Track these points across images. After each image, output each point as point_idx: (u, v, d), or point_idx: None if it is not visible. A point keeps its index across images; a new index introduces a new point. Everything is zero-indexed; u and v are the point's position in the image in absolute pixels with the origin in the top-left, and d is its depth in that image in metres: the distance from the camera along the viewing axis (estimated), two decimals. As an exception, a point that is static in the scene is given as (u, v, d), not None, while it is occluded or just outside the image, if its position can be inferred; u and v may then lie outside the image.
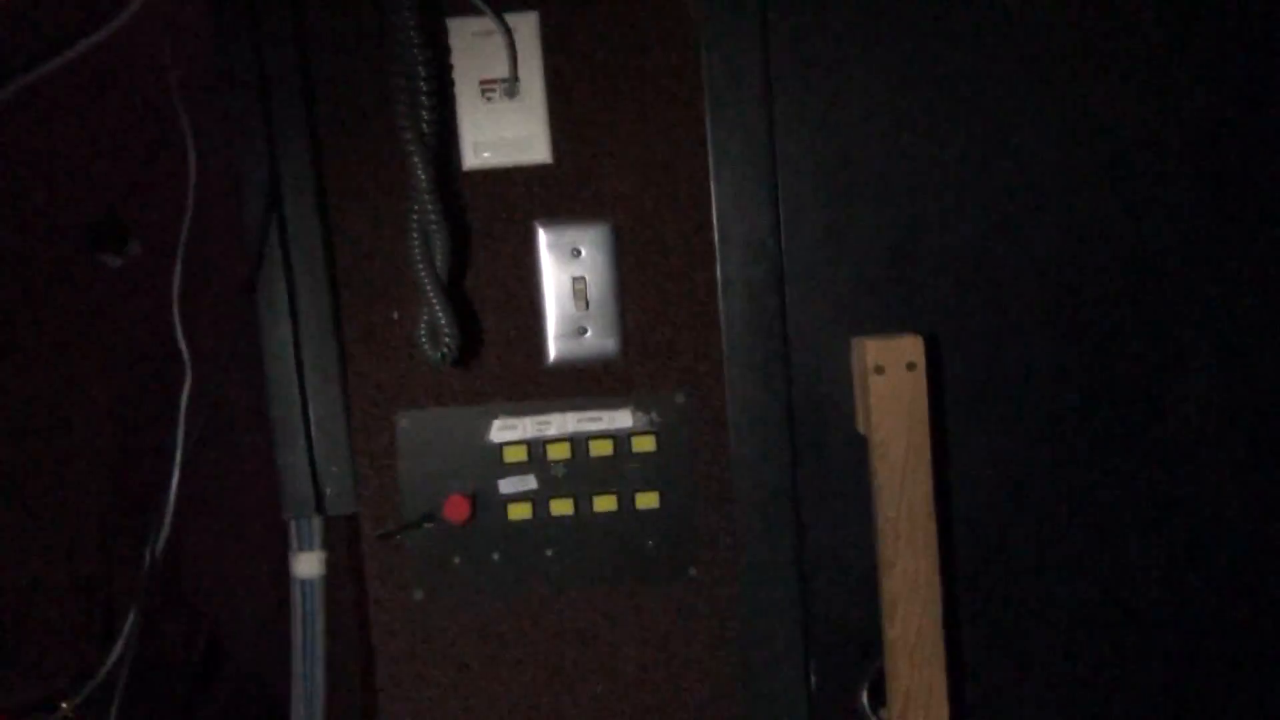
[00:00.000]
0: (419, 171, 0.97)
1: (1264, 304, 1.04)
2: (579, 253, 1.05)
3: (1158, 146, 1.03)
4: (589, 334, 1.05)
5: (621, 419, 1.06)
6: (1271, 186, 1.03)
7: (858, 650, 1.07)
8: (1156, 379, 1.05)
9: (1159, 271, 1.04)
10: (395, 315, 1.05)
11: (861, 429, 1.02)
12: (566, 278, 1.05)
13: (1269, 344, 1.04)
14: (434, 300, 0.98)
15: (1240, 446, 1.05)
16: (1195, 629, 1.07)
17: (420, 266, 0.98)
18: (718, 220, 1.03)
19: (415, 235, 0.99)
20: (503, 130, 1.03)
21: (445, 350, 0.99)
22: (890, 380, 0.97)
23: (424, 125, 0.98)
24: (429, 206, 0.98)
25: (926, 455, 0.98)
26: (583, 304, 1.05)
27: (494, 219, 1.05)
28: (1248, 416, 1.05)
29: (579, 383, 1.06)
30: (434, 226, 0.98)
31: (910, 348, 0.98)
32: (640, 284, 1.05)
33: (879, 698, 1.06)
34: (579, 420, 1.06)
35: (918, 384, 0.98)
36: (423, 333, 1.00)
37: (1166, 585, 1.07)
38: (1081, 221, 1.03)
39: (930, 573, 0.99)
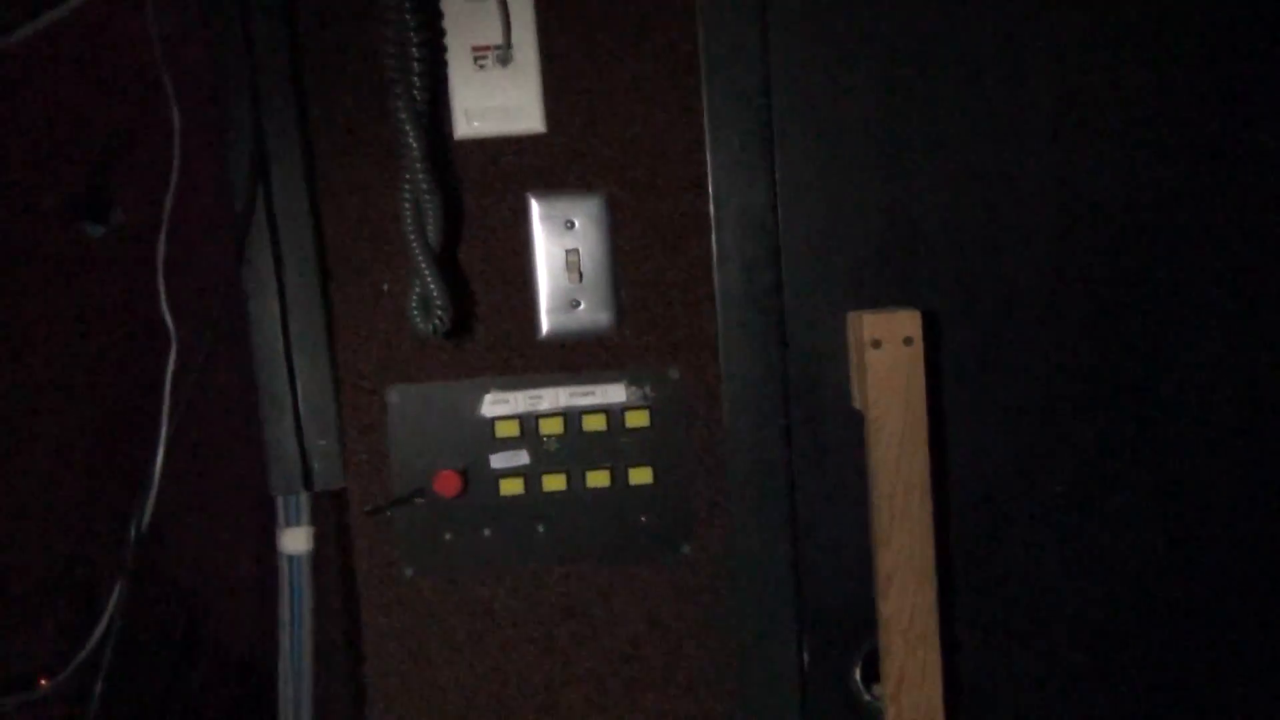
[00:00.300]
0: (411, 140, 0.95)
1: (1266, 284, 1.04)
2: (572, 224, 1.03)
3: (1161, 126, 1.02)
4: (582, 307, 1.04)
5: (615, 393, 1.05)
6: (1275, 164, 1.02)
7: (851, 628, 1.06)
8: (1156, 358, 1.04)
9: (1160, 250, 1.03)
10: (385, 287, 1.04)
11: (857, 405, 1.01)
12: (559, 250, 1.03)
13: (1270, 323, 1.04)
14: (426, 271, 0.96)
15: (1239, 427, 1.05)
16: (1192, 610, 1.07)
17: (412, 237, 0.97)
18: (713, 192, 1.02)
19: (407, 205, 0.97)
20: (495, 99, 1.01)
21: (437, 322, 0.97)
22: (887, 355, 0.96)
23: (415, 93, 0.96)
24: (421, 175, 0.96)
25: (923, 432, 0.97)
26: (576, 276, 1.03)
27: (486, 189, 1.03)
28: (1248, 397, 1.05)
29: (572, 356, 1.05)
30: (426, 196, 0.97)
31: (908, 322, 0.97)
32: (634, 257, 1.04)
33: (872, 676, 1.05)
34: (572, 395, 1.05)
35: (915, 359, 0.97)
36: (414, 304, 0.98)
37: (1163, 564, 1.06)
38: (1083, 198, 1.02)
39: (925, 550, 0.99)
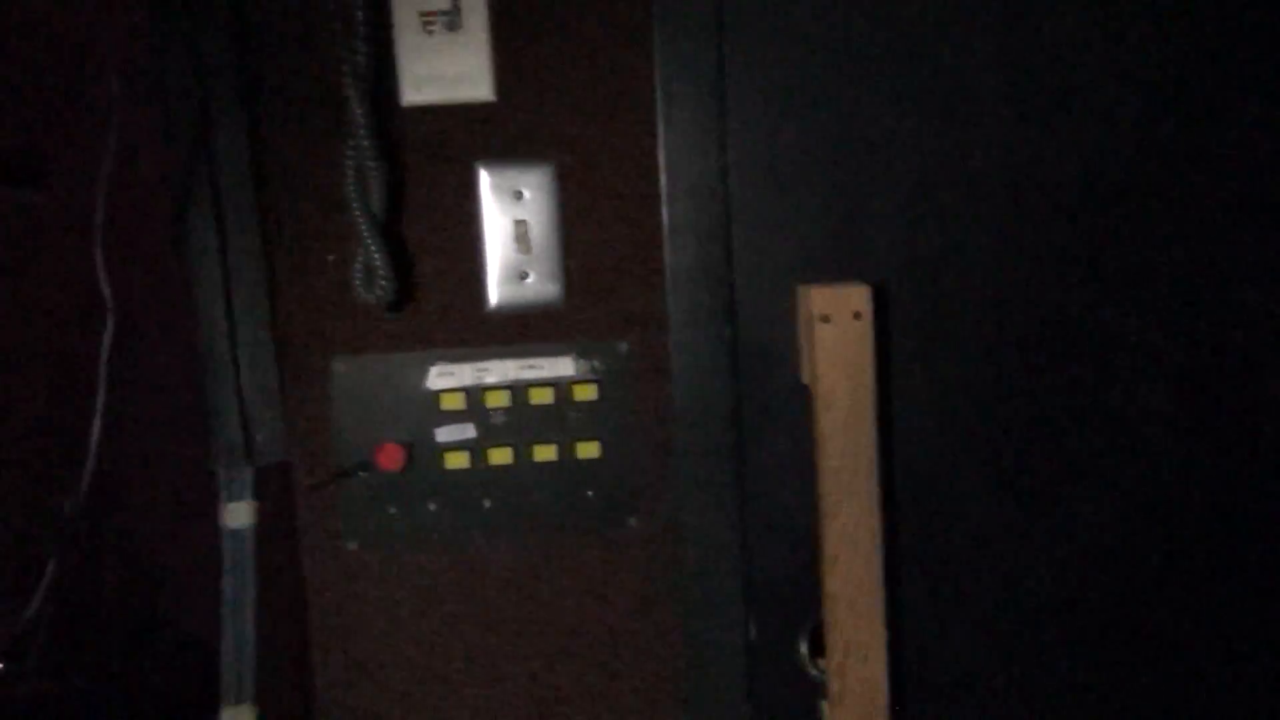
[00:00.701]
0: (355, 106, 0.93)
1: (1220, 262, 1.04)
2: (521, 195, 1.02)
3: (1115, 101, 1.02)
4: (530, 279, 1.03)
5: (563, 366, 1.04)
6: (1236, 134, 1.03)
7: (797, 602, 1.07)
8: (1106, 335, 1.05)
9: (1113, 227, 1.03)
10: (330, 257, 1.02)
11: (805, 379, 1.01)
12: (508, 220, 1.02)
13: (1224, 301, 1.05)
14: (369, 240, 0.95)
15: (1189, 406, 1.06)
16: (1140, 586, 1.08)
17: (355, 205, 0.95)
18: (664, 163, 1.01)
19: (351, 173, 0.95)
20: (443, 65, 1.00)
21: (381, 292, 0.96)
22: (836, 329, 0.96)
23: (361, 58, 0.94)
24: (365, 143, 0.94)
25: (871, 407, 0.97)
26: (524, 248, 1.02)
27: (433, 158, 1.01)
28: (1199, 375, 1.05)
29: (520, 329, 1.04)
30: (370, 164, 0.95)
31: (857, 297, 0.96)
32: (584, 228, 1.03)
33: (818, 649, 1.06)
34: (519, 368, 1.04)
35: (864, 334, 0.96)
36: (358, 274, 0.97)
37: (1109, 540, 1.07)
38: (1035, 175, 1.02)
39: (871, 525, 0.99)
